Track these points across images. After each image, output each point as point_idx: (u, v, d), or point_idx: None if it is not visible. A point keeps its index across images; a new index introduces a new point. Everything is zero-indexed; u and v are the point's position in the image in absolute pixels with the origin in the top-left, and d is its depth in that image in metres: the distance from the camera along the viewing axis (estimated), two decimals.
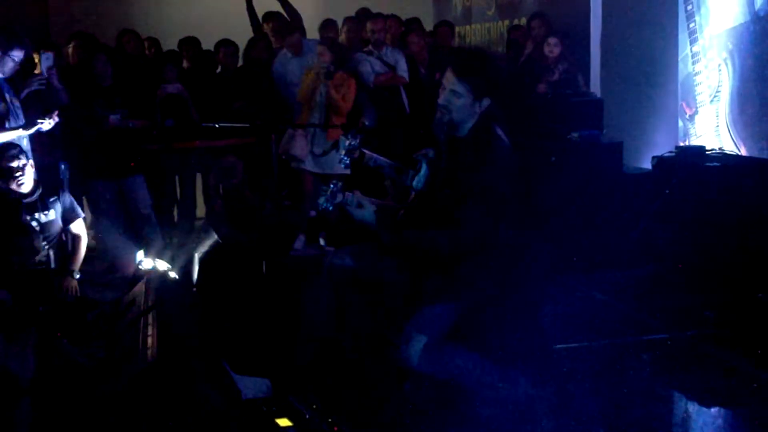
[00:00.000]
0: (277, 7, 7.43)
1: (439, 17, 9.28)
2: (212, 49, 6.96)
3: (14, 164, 4.54)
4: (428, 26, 8.21)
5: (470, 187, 3.14)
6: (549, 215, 5.21)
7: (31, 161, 4.69)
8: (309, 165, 6.24)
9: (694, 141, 6.12)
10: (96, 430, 3.19)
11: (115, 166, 5.81)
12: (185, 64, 6.93)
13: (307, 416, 3.15)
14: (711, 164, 5.23)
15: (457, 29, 8.52)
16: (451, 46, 7.41)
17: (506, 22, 8.33)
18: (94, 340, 4.26)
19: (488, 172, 3.16)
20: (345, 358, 3.54)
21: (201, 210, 6.89)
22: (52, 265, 4.67)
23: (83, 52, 6.33)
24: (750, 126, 5.62)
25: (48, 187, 4.79)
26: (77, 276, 4.72)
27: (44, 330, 4.13)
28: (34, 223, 4.61)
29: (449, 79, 3.24)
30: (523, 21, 7.57)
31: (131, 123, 5.75)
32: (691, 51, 6.17)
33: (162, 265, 4.38)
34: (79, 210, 4.89)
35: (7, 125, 4.80)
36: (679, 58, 6.32)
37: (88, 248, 5.03)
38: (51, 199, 4.71)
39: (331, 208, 3.22)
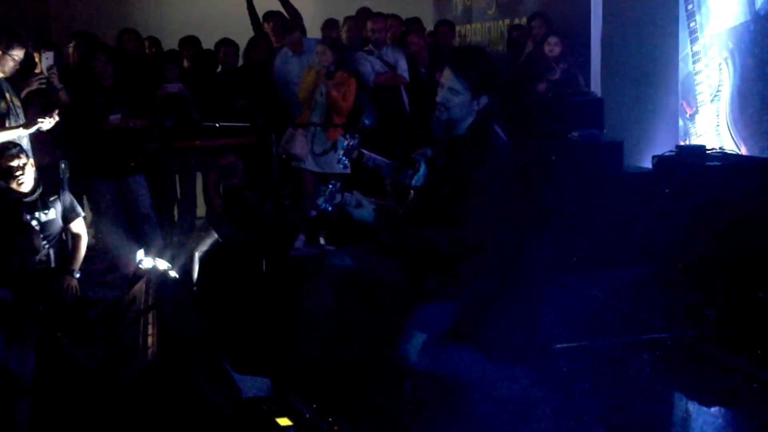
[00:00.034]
0: (278, 7, 7.42)
1: (440, 17, 9.28)
2: (213, 48, 6.95)
3: (14, 163, 4.55)
4: (428, 26, 8.21)
5: (469, 185, 3.14)
6: (549, 215, 5.21)
7: (31, 160, 4.70)
8: (309, 164, 6.23)
9: (695, 140, 6.11)
10: (96, 430, 3.18)
11: (115, 165, 5.81)
12: (186, 63, 6.93)
13: (307, 416, 3.15)
14: (711, 164, 5.22)
15: (457, 29, 8.52)
16: (451, 46, 7.42)
17: (506, 22, 8.33)
18: (94, 340, 4.26)
19: (487, 170, 3.16)
20: (345, 357, 3.54)
21: (201, 209, 6.89)
22: (53, 265, 4.68)
23: (84, 52, 6.33)
24: (750, 125, 5.61)
25: (48, 186, 4.80)
26: (77, 275, 4.73)
27: (44, 329, 4.12)
28: (34, 223, 4.61)
29: (447, 77, 3.24)
30: (524, 20, 7.57)
31: (132, 122, 5.75)
32: (692, 50, 6.16)
33: (162, 265, 4.38)
34: (80, 209, 4.90)
35: (7, 124, 4.81)
36: (680, 57, 6.31)
37: (89, 247, 5.04)
38: (51, 199, 4.72)
39: (330, 208, 3.22)
